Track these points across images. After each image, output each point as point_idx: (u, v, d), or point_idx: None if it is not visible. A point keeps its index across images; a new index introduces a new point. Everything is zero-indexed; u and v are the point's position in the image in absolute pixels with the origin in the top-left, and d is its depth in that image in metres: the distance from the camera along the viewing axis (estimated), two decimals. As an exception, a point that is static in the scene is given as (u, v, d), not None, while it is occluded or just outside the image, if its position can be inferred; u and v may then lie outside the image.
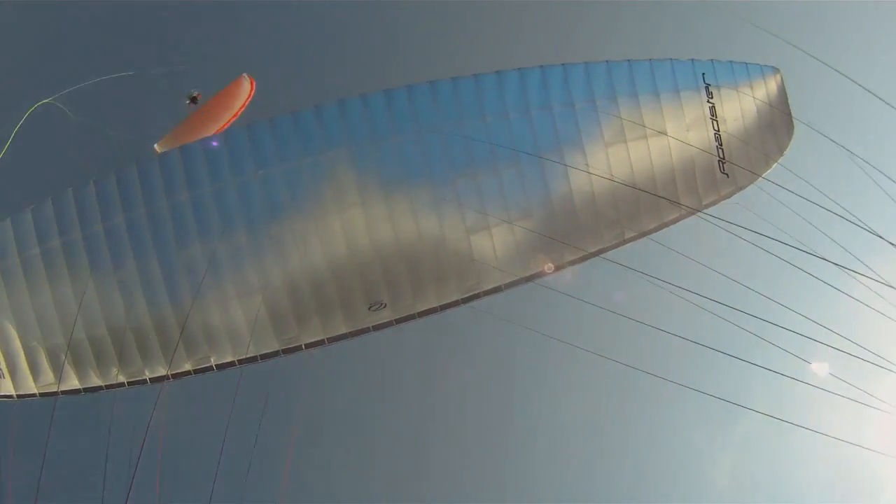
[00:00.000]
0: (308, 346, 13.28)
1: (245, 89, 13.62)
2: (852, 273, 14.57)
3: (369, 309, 12.85)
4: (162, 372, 12.76)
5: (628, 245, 13.35)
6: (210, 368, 13.20)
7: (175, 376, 13.07)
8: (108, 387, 12.91)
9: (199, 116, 13.86)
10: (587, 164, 12.23)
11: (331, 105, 12.29)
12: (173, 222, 12.22)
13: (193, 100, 14.07)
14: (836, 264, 14.92)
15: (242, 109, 13.85)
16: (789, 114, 14.37)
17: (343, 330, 13.11)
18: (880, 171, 15.11)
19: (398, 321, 13.08)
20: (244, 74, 13.66)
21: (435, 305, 12.99)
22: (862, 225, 15.04)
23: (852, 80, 14.45)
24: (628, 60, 12.67)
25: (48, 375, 12.61)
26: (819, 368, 13.19)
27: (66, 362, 12.45)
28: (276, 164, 12.33)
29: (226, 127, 13.80)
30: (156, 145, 13.55)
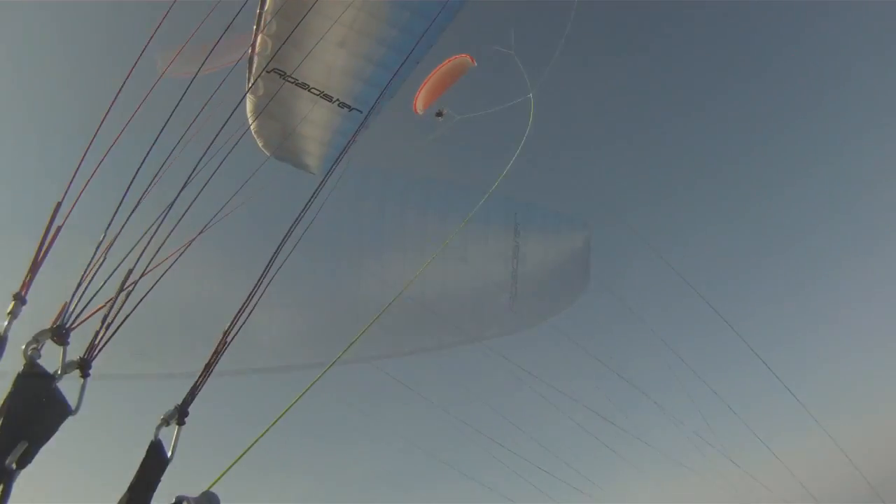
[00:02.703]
0: None
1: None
2: (613, 425, 15.67)
3: None
4: None
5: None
6: None
7: None
8: None
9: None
10: (381, 270, 12.11)
11: None
12: None
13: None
14: (600, 416, 16.00)
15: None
16: (588, 269, 15.30)
17: None
18: (663, 340, 16.53)
19: None
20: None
21: None
22: (627, 380, 16.27)
23: (659, 255, 15.80)
24: (450, 180, 12.94)
25: None
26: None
27: None
28: None
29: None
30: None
